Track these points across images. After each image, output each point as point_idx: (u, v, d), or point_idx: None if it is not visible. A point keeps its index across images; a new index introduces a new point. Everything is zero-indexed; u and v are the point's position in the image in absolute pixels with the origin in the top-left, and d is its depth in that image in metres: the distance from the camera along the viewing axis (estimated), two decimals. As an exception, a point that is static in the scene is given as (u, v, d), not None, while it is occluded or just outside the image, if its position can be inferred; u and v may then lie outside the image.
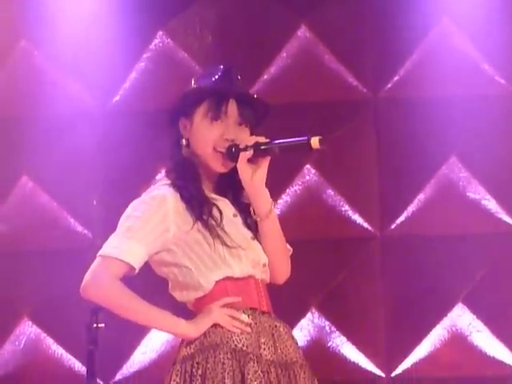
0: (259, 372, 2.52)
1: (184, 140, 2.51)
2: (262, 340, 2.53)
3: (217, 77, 2.53)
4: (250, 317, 2.52)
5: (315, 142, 2.34)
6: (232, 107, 2.51)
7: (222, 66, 2.58)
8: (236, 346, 2.47)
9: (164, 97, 4.34)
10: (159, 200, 2.43)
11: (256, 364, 2.51)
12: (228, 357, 2.46)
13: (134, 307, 2.46)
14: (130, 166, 4.59)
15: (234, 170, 2.48)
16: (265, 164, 2.43)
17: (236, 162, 2.41)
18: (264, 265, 2.55)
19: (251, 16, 4.54)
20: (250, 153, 2.41)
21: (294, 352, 2.56)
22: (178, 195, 2.44)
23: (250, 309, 2.51)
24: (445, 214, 4.41)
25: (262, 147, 2.41)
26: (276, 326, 2.57)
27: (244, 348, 2.47)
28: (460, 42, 4.53)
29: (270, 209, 2.49)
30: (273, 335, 2.57)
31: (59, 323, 4.52)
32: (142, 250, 2.42)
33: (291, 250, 2.60)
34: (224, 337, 2.46)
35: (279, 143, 2.41)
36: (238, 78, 2.63)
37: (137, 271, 2.41)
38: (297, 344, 2.57)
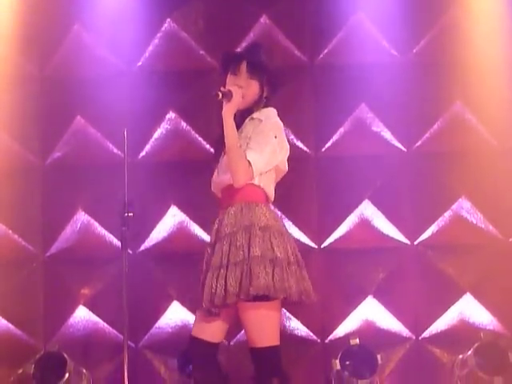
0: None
1: None
2: (212, 233, 3.68)
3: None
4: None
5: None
6: (242, 66, 3.60)
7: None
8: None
9: (171, 64, 5.80)
10: None
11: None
12: None
13: None
14: (147, 111, 5.78)
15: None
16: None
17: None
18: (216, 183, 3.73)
19: (230, 9, 5.84)
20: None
21: (230, 227, 3.56)
22: None
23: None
24: (357, 140, 5.81)
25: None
26: (224, 214, 3.60)
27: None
28: (369, 27, 5.81)
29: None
30: (220, 222, 3.62)
31: (103, 215, 5.73)
32: None
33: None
34: None
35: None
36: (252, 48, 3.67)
37: None
38: (240, 219, 3.55)
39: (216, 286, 3.51)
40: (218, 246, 3.59)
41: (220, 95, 3.57)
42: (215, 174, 3.79)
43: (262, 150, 3.58)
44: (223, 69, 3.69)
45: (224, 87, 3.61)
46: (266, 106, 3.74)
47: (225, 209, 3.66)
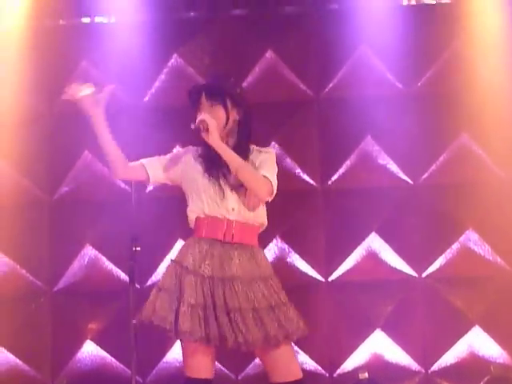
0: (193, 281, 3.41)
1: None
2: (207, 262, 3.45)
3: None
4: (208, 245, 3.45)
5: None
6: (202, 99, 3.54)
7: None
8: (182, 265, 3.47)
9: (177, 99, 5.58)
10: None
11: (192, 277, 3.42)
12: (177, 271, 3.46)
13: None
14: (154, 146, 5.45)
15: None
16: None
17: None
18: (233, 209, 3.50)
19: (235, 44, 5.87)
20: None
21: (238, 270, 3.43)
22: None
23: (212, 239, 3.48)
24: (363, 173, 5.83)
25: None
26: (230, 253, 3.44)
27: (187, 266, 3.45)
28: (373, 61, 5.88)
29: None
30: (220, 258, 3.45)
31: (111, 250, 5.75)
32: None
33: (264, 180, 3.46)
34: (181, 257, 3.52)
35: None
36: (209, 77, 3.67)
37: None
38: (253, 264, 3.46)
39: (271, 326, 3.48)
40: (257, 286, 3.48)
41: (202, 130, 3.54)
42: (230, 199, 3.57)
43: (273, 173, 3.59)
44: (192, 107, 3.67)
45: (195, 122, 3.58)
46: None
47: (239, 245, 3.53)
